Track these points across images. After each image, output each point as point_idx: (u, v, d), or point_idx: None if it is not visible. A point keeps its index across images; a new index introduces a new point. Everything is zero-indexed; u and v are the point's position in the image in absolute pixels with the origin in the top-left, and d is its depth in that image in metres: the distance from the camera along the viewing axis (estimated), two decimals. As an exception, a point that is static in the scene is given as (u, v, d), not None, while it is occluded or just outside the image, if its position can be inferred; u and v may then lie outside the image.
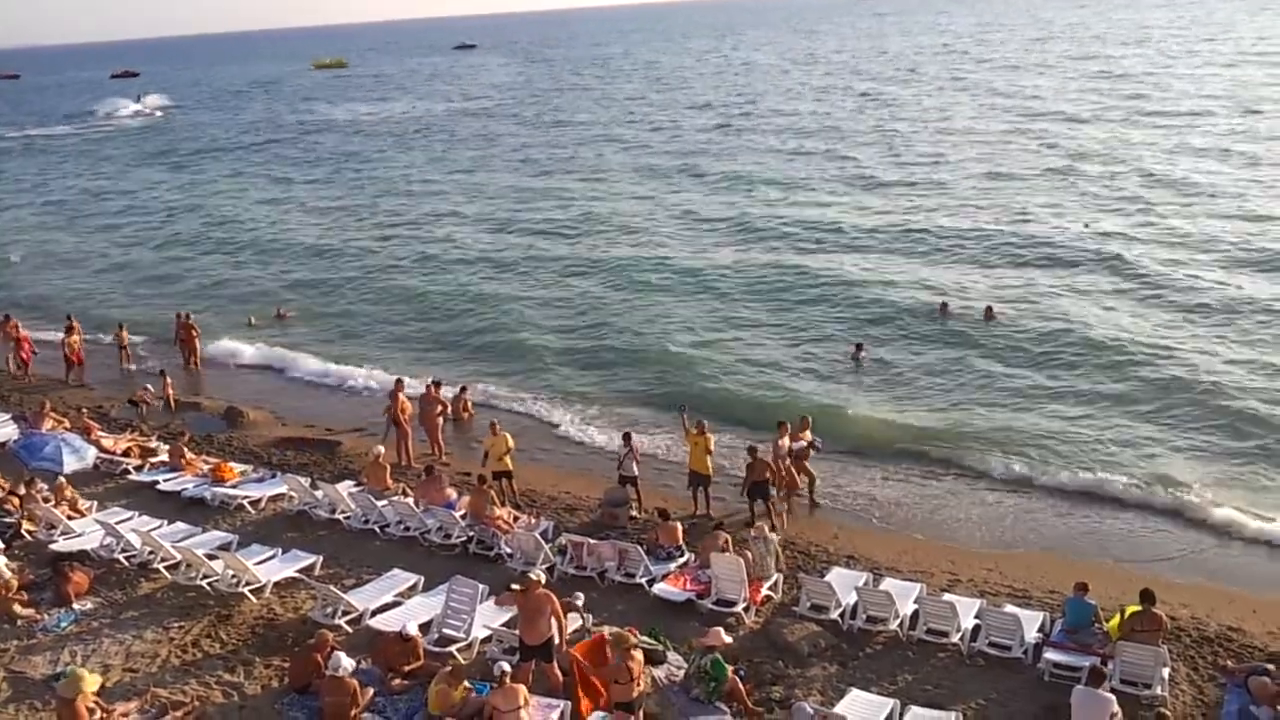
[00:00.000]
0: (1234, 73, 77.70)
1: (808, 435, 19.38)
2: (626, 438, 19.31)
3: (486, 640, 14.18)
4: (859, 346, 27.07)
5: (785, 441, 18.78)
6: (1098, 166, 48.19)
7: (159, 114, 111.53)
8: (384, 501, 18.40)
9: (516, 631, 13.26)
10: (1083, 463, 20.30)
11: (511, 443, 19.32)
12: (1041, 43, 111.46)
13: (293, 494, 19.31)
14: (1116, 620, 13.61)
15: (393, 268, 39.82)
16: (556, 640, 12.80)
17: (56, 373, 28.49)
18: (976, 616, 14.13)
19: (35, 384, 27.98)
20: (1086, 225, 37.93)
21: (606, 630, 13.39)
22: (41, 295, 38.77)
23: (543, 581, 13.15)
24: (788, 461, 18.77)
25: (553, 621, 12.68)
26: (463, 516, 17.68)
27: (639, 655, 11.81)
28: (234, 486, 19.74)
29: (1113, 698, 11.47)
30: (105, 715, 12.23)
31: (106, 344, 30.79)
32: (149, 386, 25.48)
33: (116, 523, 17.63)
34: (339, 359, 29.27)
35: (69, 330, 28.47)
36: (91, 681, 12.36)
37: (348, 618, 14.76)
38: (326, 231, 46.63)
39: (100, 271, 43.02)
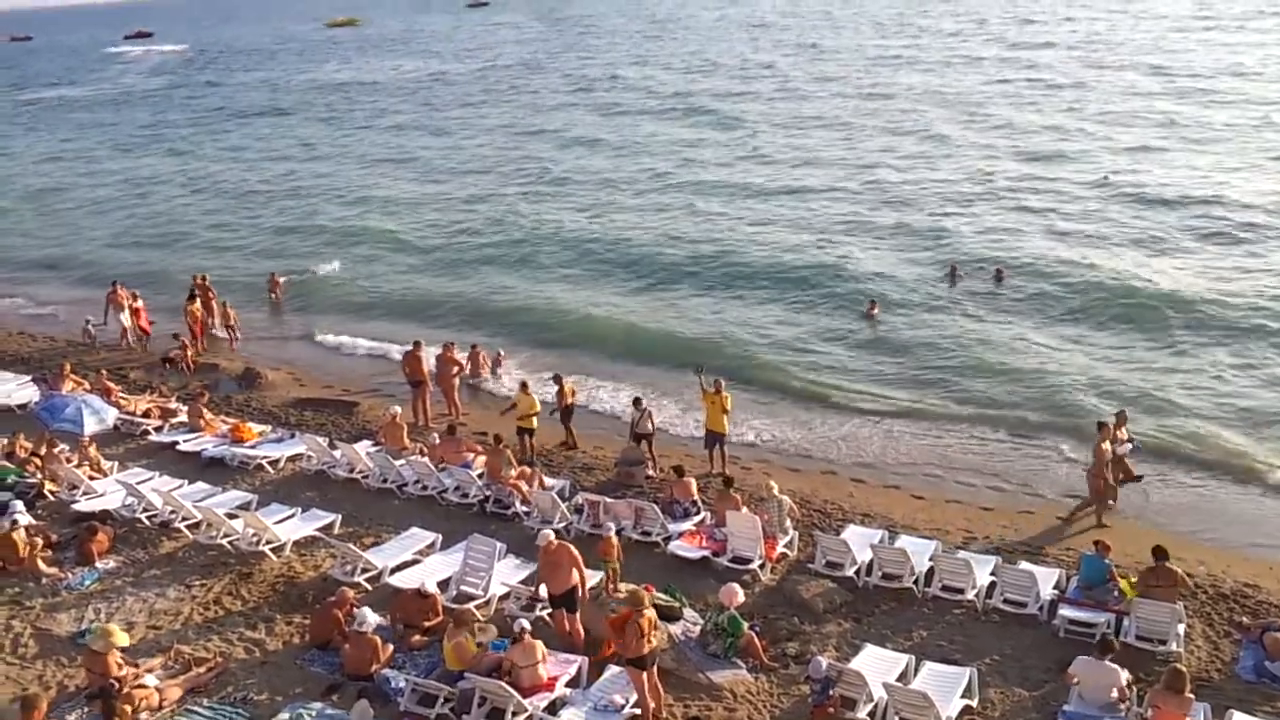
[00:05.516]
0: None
1: (1124, 433, 16.98)
2: (637, 402, 19.41)
3: (504, 597, 14.33)
4: (873, 304, 27.01)
5: (1107, 446, 16.14)
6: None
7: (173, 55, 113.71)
8: (401, 461, 18.53)
9: (532, 588, 13.66)
10: (1094, 419, 20.22)
11: (538, 406, 19.54)
12: None
13: (311, 454, 19.44)
14: (1129, 581, 13.60)
15: (409, 237, 38.86)
16: (580, 592, 12.98)
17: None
18: (992, 573, 14.16)
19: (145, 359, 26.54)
20: (1107, 177, 37.59)
21: (624, 589, 13.50)
22: (51, 257, 38.86)
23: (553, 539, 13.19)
24: (1110, 468, 16.30)
25: (574, 572, 12.86)
26: (480, 476, 17.80)
27: (650, 613, 11.86)
28: (253, 447, 19.88)
29: (1120, 670, 11.33)
30: (133, 670, 12.45)
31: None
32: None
33: (138, 483, 17.80)
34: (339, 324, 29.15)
35: (191, 298, 27.04)
36: (121, 637, 12.65)
37: (366, 575, 14.92)
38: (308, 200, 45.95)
39: (108, 230, 42.95)
